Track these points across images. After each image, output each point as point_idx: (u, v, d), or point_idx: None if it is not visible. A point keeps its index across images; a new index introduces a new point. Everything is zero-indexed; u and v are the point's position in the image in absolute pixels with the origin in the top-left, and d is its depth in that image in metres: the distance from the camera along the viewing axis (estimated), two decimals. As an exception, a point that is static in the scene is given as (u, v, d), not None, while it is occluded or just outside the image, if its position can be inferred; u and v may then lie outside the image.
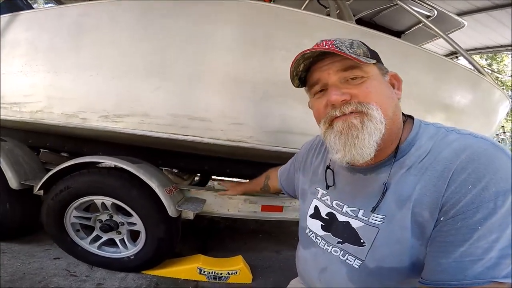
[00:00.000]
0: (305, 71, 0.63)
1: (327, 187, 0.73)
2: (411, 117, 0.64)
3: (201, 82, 1.37)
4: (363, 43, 0.61)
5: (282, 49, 1.36)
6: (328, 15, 1.80)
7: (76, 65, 1.54)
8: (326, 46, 0.56)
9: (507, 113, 2.39)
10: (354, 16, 1.74)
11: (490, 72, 2.33)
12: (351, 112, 0.55)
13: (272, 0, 2.83)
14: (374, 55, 0.60)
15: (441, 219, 0.49)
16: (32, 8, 2.14)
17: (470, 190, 0.46)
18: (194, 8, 1.38)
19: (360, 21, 2.08)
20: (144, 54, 1.43)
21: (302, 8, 2.70)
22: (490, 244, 0.43)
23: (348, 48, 0.56)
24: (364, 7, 2.67)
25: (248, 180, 1.52)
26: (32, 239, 1.89)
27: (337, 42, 0.57)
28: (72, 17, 1.57)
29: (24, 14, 1.74)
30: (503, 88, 2.18)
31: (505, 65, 9.63)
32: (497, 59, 9.53)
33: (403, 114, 0.64)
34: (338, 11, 1.79)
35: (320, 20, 1.44)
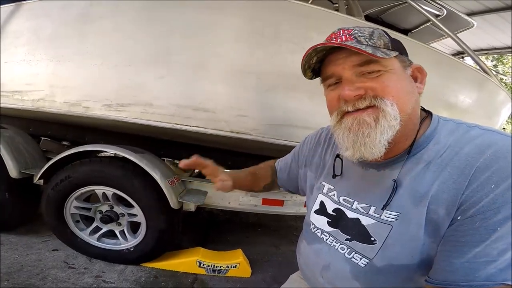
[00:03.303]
0: (319, 62, 0.60)
1: (334, 176, 0.70)
2: (430, 113, 0.61)
3: (206, 73, 1.36)
4: (385, 32, 0.56)
5: (289, 41, 1.34)
6: (337, 10, 1.78)
7: (79, 53, 1.52)
8: (343, 37, 0.54)
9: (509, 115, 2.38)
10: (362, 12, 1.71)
11: (495, 73, 2.31)
12: (366, 107, 0.53)
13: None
14: (397, 45, 0.56)
15: (458, 218, 0.47)
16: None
17: (492, 190, 0.44)
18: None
19: (367, 18, 2.05)
20: (148, 43, 1.41)
21: (309, 2, 2.68)
22: (506, 245, 0.42)
23: (367, 39, 0.53)
24: (372, 4, 2.65)
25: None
26: (30, 230, 1.88)
27: (356, 31, 0.54)
28: (77, 6, 1.55)
29: (28, 4, 1.72)
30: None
31: (510, 66, 9.58)
32: (503, 60, 9.46)
33: (423, 109, 0.62)
34: (347, 6, 1.77)
35: (329, 15, 1.42)
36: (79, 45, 1.53)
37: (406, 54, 0.58)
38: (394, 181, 0.56)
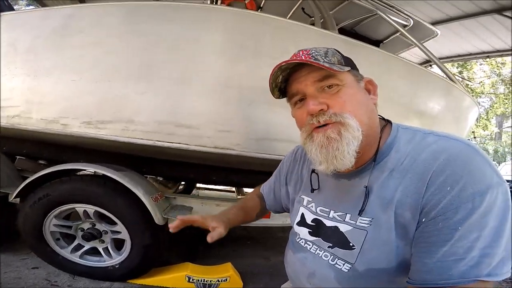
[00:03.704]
0: (284, 82, 0.65)
1: (312, 190, 0.74)
2: (389, 122, 0.66)
3: (188, 88, 1.36)
4: (337, 51, 0.63)
5: (268, 56, 1.39)
6: (313, 24, 1.85)
7: (58, 68, 1.49)
8: (303, 57, 0.59)
9: (477, 118, 2.53)
10: (336, 25, 1.79)
11: (460, 79, 2.48)
12: (327, 124, 0.57)
13: (259, 8, 2.88)
14: (348, 62, 0.62)
15: (423, 220, 0.50)
16: (13, 9, 2.05)
17: (449, 192, 0.48)
18: (182, 13, 1.38)
19: (342, 30, 2.14)
20: (129, 59, 1.41)
21: (288, 17, 2.76)
22: (471, 243, 0.45)
23: (323, 57, 0.58)
24: (346, 17, 2.76)
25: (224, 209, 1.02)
26: (7, 248, 1.82)
27: (313, 51, 0.60)
28: (56, 20, 1.52)
29: (5, 16, 1.66)
30: (472, 95, 2.32)
31: (474, 72, 10.25)
32: (467, 67, 10.10)
33: (383, 118, 0.67)
34: (322, 20, 1.85)
35: (306, 29, 1.49)
36: (58, 59, 1.49)
37: (357, 69, 0.64)
38: (365, 187, 0.60)
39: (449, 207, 0.47)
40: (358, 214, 0.60)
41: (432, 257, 0.48)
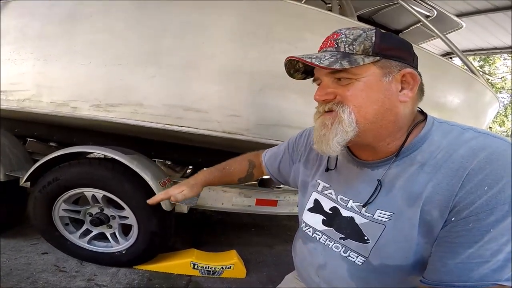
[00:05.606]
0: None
1: (327, 169, 0.72)
2: (425, 114, 0.62)
3: (198, 72, 1.34)
4: (379, 34, 0.55)
5: (282, 41, 1.34)
6: (330, 10, 1.79)
7: (67, 53, 1.48)
8: (329, 42, 0.58)
9: (495, 114, 2.43)
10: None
11: (481, 73, 2.37)
12: (329, 111, 0.58)
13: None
14: (384, 50, 0.54)
15: (452, 219, 0.48)
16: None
17: (486, 192, 0.45)
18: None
19: (359, 19, 2.06)
20: (139, 42, 1.39)
21: (303, 2, 2.69)
22: (499, 246, 0.43)
23: (348, 45, 0.55)
24: (364, 5, 2.66)
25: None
26: (18, 233, 1.84)
27: (342, 36, 0.56)
28: (65, 5, 1.51)
29: (15, 2, 1.67)
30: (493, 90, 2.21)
31: (496, 67, 9.88)
32: (490, 61, 9.73)
33: (421, 112, 0.63)
34: (340, 7, 1.77)
35: (322, 15, 1.42)
36: (67, 44, 1.49)
37: (401, 59, 0.56)
38: (378, 181, 0.58)
39: (484, 208, 0.45)
40: (363, 206, 0.59)
41: (455, 258, 0.46)
